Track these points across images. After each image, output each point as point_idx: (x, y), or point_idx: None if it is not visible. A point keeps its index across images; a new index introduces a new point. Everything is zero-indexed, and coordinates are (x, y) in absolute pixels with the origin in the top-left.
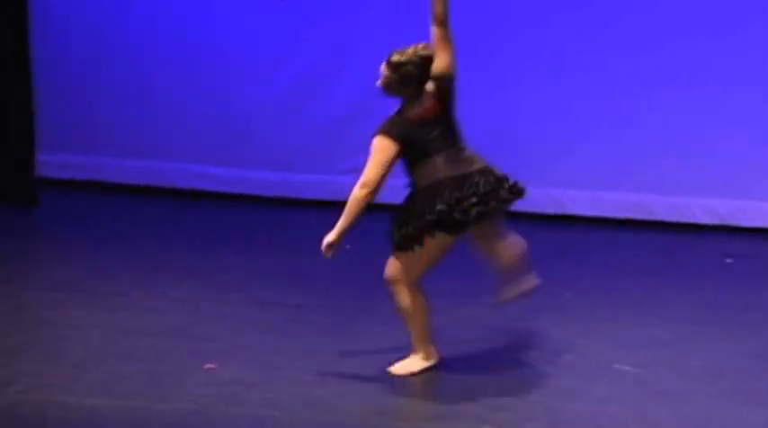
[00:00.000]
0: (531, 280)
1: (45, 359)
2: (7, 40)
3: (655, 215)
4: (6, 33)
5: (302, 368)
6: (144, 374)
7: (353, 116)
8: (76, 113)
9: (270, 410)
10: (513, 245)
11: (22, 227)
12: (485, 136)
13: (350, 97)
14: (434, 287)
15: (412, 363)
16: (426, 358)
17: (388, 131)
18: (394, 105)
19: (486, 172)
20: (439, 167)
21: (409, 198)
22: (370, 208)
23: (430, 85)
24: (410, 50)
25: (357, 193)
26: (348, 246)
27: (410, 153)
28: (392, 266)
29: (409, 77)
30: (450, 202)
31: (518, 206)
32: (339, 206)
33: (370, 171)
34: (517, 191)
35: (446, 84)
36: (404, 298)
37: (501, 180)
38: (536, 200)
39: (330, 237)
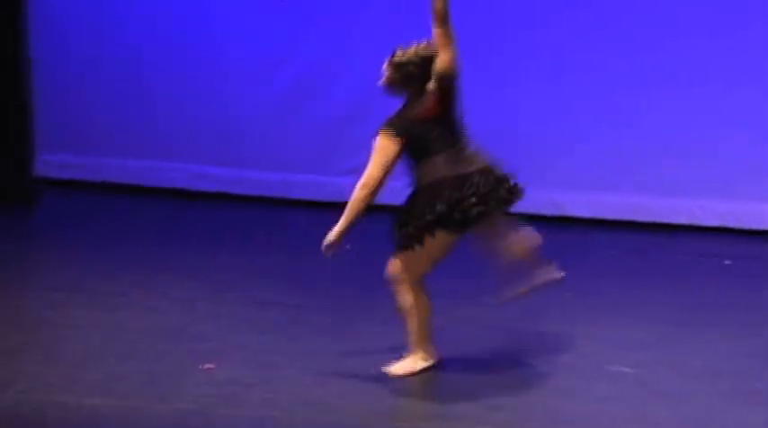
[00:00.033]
0: (553, 272)
1: (45, 359)
2: (6, 40)
3: (653, 216)
4: (5, 34)
5: (301, 368)
6: (143, 374)
7: (352, 117)
8: (75, 114)
9: (269, 410)
10: (525, 238)
11: (22, 228)
12: (480, 137)
13: (348, 98)
14: (434, 287)
15: (409, 364)
16: (424, 358)
17: (390, 130)
18: (393, 107)
19: (487, 171)
20: (440, 166)
21: (411, 197)
22: (371, 208)
23: (432, 84)
24: (412, 50)
25: (359, 192)
26: (348, 247)
27: (412, 151)
28: (394, 265)
29: (411, 76)
30: (450, 202)
31: (516, 207)
32: (337, 207)
33: (372, 169)
34: (516, 192)
35: (448, 82)
36: (405, 297)
37: (501, 180)
38: (534, 201)
39: (331, 236)
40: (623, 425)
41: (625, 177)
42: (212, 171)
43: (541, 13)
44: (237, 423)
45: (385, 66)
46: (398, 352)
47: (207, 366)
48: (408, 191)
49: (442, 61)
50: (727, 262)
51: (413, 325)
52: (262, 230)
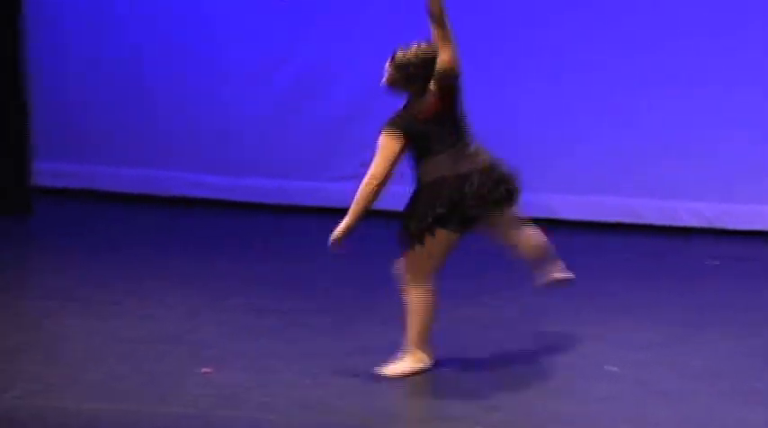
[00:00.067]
0: (561, 272)
1: (43, 362)
2: (3, 47)
3: (643, 219)
4: (2, 41)
5: (299, 371)
6: (141, 379)
7: (349, 122)
8: (71, 122)
9: (267, 413)
10: (532, 236)
11: (17, 236)
12: (477, 138)
13: (346, 103)
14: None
15: (403, 365)
16: (420, 359)
17: (393, 128)
18: (390, 111)
19: (488, 171)
20: (442, 165)
21: (413, 195)
22: (367, 213)
23: (433, 83)
24: (413, 49)
25: (365, 188)
26: (344, 251)
27: (414, 149)
28: (401, 263)
29: (413, 75)
30: (449, 203)
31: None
32: (333, 213)
33: (377, 166)
34: (516, 192)
35: (449, 81)
36: (411, 295)
37: (501, 180)
38: (525, 204)
39: (339, 230)
40: (622, 425)
41: (614, 181)
42: (208, 179)
43: (538, 14)
44: (236, 425)
45: (386, 66)
46: (396, 354)
47: (205, 370)
48: (411, 191)
49: (442, 60)
50: (714, 262)
51: (415, 324)
52: (258, 237)
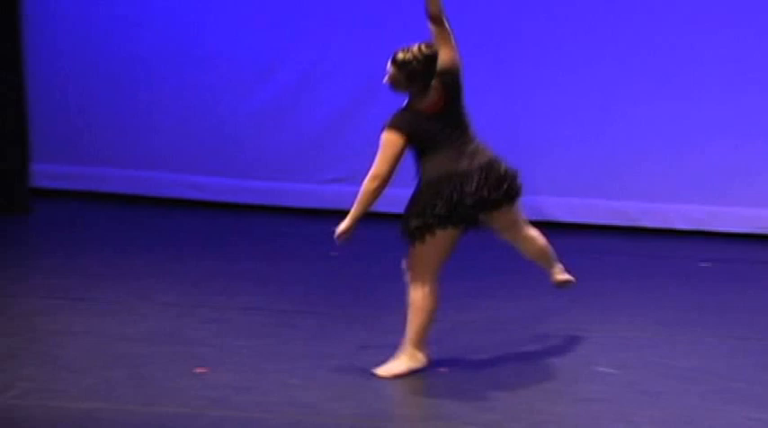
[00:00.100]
0: (562, 274)
1: (38, 364)
2: (2, 48)
3: (633, 221)
4: (0, 42)
5: (292, 371)
6: (136, 378)
7: (340, 128)
8: (68, 124)
9: (260, 413)
10: (535, 238)
11: (14, 236)
12: None
13: (337, 109)
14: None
15: (397, 365)
16: (416, 359)
17: (395, 126)
18: (381, 116)
19: (489, 168)
20: (443, 162)
21: (415, 191)
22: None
23: (435, 81)
24: (414, 48)
25: (368, 185)
26: (335, 253)
27: (416, 146)
28: (407, 258)
29: (414, 74)
30: (449, 203)
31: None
32: (326, 215)
33: (380, 164)
34: (514, 193)
35: (450, 79)
36: (415, 291)
37: (502, 178)
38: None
39: (343, 225)
40: (609, 426)
41: (603, 183)
42: (203, 180)
43: (529, 20)
44: (228, 425)
45: (389, 65)
46: (386, 355)
47: (199, 369)
48: (412, 190)
49: (443, 57)
50: (703, 264)
51: (414, 323)
52: (252, 238)
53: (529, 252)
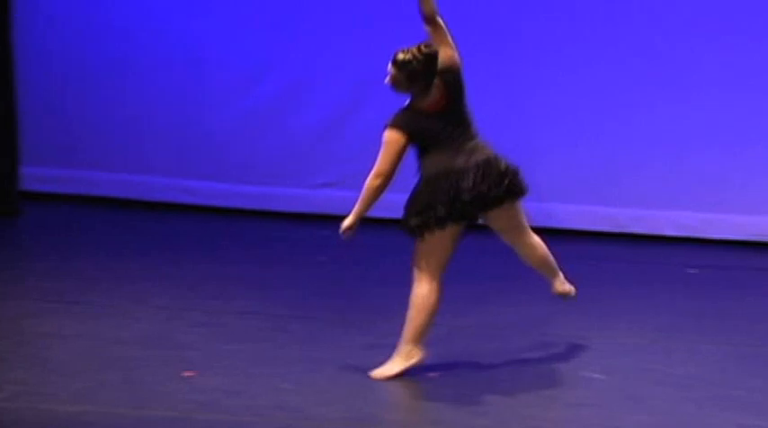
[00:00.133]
0: (563, 285)
1: (28, 367)
2: None
3: (623, 227)
4: None
5: (282, 375)
6: (125, 381)
7: (331, 133)
8: (57, 127)
9: (249, 417)
10: (537, 246)
11: (3, 240)
12: None
13: (327, 114)
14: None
15: (391, 366)
16: (408, 358)
17: (395, 125)
18: (368, 121)
19: (487, 165)
20: (441, 159)
21: (415, 187)
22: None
23: (437, 80)
24: (414, 48)
25: (371, 183)
26: (324, 258)
27: (418, 144)
28: (414, 253)
29: (415, 74)
30: (446, 199)
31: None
32: (313, 219)
33: (382, 162)
34: (515, 190)
35: (451, 77)
36: (417, 289)
37: (502, 175)
38: None
39: (348, 221)
40: None
41: (604, 189)
42: (193, 184)
43: (522, 28)
44: None
45: (389, 66)
46: (376, 360)
47: (188, 373)
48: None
49: (442, 57)
50: (691, 270)
51: (414, 320)
52: (242, 242)
53: (530, 259)
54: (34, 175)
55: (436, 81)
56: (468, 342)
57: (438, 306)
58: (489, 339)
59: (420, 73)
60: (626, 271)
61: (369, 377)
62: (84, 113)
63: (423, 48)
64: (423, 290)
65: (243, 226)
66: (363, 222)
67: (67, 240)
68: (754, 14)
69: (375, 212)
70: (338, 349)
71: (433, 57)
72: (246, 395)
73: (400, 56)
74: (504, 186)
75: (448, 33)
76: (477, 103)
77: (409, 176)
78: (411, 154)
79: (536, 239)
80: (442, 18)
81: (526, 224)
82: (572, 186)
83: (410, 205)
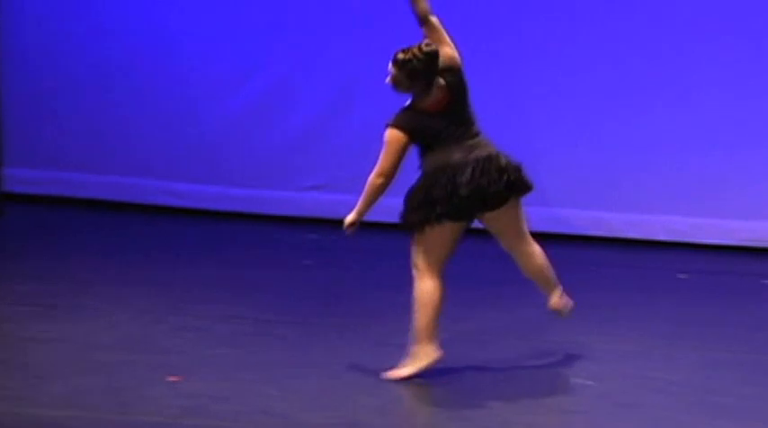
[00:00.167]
0: (559, 300)
1: (8, 369)
2: None
3: (616, 232)
4: None
5: (267, 381)
6: (109, 386)
7: (318, 135)
8: (42, 129)
9: (234, 423)
10: (536, 255)
11: None
12: None
13: (314, 116)
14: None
15: (404, 368)
16: (422, 358)
17: (397, 124)
18: (356, 123)
19: (487, 160)
20: (441, 155)
21: (416, 182)
22: (334, 225)
23: (439, 79)
24: (414, 48)
25: (374, 181)
26: (309, 261)
27: (419, 142)
28: (412, 249)
29: (416, 73)
30: (444, 194)
31: (479, 224)
32: (300, 222)
33: (384, 161)
34: (516, 186)
35: (454, 77)
36: (418, 286)
37: (502, 170)
38: None
39: (351, 217)
40: None
41: (596, 193)
42: (179, 187)
43: (514, 32)
44: None
45: (390, 66)
46: (363, 366)
47: (172, 378)
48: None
49: (443, 56)
50: (681, 276)
51: (421, 319)
52: (229, 244)
53: (528, 268)
54: (18, 177)
55: (439, 80)
56: (465, 347)
57: (442, 300)
58: (485, 344)
59: (421, 72)
60: (615, 276)
61: (357, 382)
62: (70, 115)
63: (423, 47)
64: (425, 286)
65: (230, 229)
66: (361, 227)
67: (52, 242)
68: (747, 21)
69: (373, 217)
70: (327, 354)
71: (433, 56)
72: (232, 400)
73: (401, 55)
74: (504, 182)
75: (445, 32)
76: (472, 105)
77: (407, 181)
78: (413, 153)
79: (536, 248)
80: (437, 17)
81: (526, 229)
82: (563, 191)
83: (409, 200)
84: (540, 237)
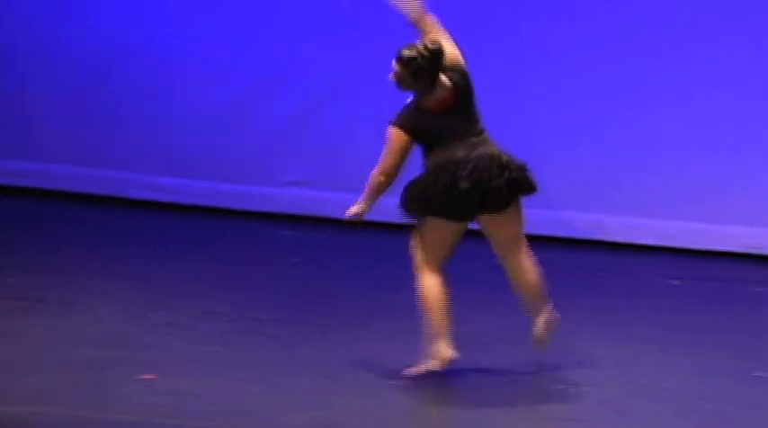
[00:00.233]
0: (543, 327)
1: None
2: None
3: (609, 236)
4: None
5: (247, 380)
6: (84, 383)
7: (299, 130)
8: (28, 122)
9: (210, 423)
10: (532, 270)
11: None
12: None
13: (295, 112)
14: None
15: (417, 367)
16: (433, 359)
17: (399, 123)
18: (336, 119)
19: (490, 158)
20: (447, 153)
21: (420, 174)
22: (320, 223)
23: (447, 77)
24: (419, 45)
25: (376, 178)
26: (297, 259)
27: (423, 141)
28: (411, 247)
29: (420, 71)
30: (443, 187)
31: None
32: (282, 218)
33: (386, 159)
34: (518, 184)
35: (459, 76)
36: (421, 283)
37: (503, 166)
38: None
39: (355, 208)
40: None
41: (588, 196)
42: (162, 181)
43: (512, 33)
44: None
45: (394, 63)
46: (346, 365)
47: (148, 376)
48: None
49: (447, 55)
50: (674, 281)
51: (427, 315)
52: (210, 240)
53: (519, 281)
54: (7, 169)
55: (444, 80)
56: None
57: (443, 297)
58: (476, 348)
59: (425, 70)
60: (606, 280)
61: (338, 383)
62: (58, 108)
63: (428, 44)
64: (426, 283)
65: (209, 224)
66: (342, 225)
67: (42, 235)
68: (742, 24)
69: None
70: (309, 353)
71: (438, 54)
72: (208, 399)
73: (405, 52)
74: (505, 178)
75: (443, 31)
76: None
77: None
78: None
79: (531, 262)
80: (434, 17)
81: (524, 239)
82: (555, 193)
83: (408, 190)
84: (538, 241)
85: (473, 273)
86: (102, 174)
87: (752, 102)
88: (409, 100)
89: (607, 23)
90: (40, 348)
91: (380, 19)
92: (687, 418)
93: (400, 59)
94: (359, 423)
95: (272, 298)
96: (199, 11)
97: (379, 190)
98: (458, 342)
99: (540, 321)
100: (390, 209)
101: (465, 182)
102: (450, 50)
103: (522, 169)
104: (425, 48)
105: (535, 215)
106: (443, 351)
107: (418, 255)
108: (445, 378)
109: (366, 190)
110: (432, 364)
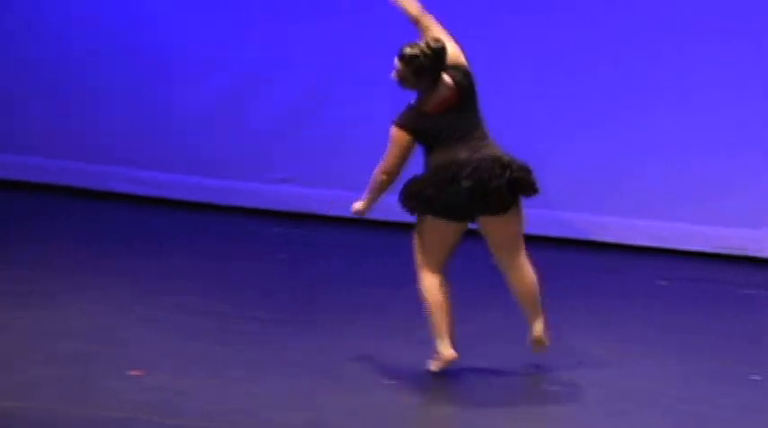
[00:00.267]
0: (540, 331)
1: None
2: None
3: (601, 236)
4: None
5: (233, 377)
6: (71, 376)
7: (288, 127)
8: (12, 115)
9: (198, 421)
10: (529, 275)
11: None
12: None
13: (285, 109)
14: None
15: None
16: (437, 356)
17: (400, 122)
18: (327, 116)
19: (492, 159)
20: (449, 154)
21: (421, 173)
22: (304, 219)
23: (450, 77)
24: (422, 43)
25: (378, 177)
26: (283, 256)
27: (424, 141)
28: (413, 247)
29: (422, 69)
30: (444, 185)
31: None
32: (271, 215)
33: (388, 158)
34: (519, 185)
35: (461, 75)
36: (421, 283)
37: (504, 166)
38: None
39: (359, 205)
40: None
41: (580, 196)
42: (149, 175)
43: (511, 33)
44: None
45: (396, 61)
46: (331, 363)
47: (134, 372)
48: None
49: (449, 54)
50: (662, 282)
51: (429, 316)
52: (196, 236)
53: (518, 287)
54: None
55: (446, 79)
56: (424, 355)
57: (442, 297)
58: (472, 348)
59: (427, 68)
60: (596, 280)
61: (326, 381)
62: (40, 102)
63: (431, 42)
64: (426, 284)
65: (197, 219)
66: (330, 222)
67: (29, 229)
68: (755, 17)
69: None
70: (298, 351)
71: (441, 52)
72: (200, 397)
73: (407, 50)
74: (506, 178)
75: (443, 30)
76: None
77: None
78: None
79: (530, 269)
80: (432, 16)
81: (522, 244)
82: (549, 194)
83: (407, 187)
84: (534, 241)
85: (473, 273)
86: (90, 168)
87: (751, 103)
88: (412, 100)
89: (607, 24)
90: (27, 341)
91: (373, 18)
92: (682, 420)
93: (402, 57)
94: (346, 421)
95: (259, 295)
96: (190, 7)
97: (381, 188)
98: (458, 341)
99: (536, 329)
100: (381, 207)
101: (466, 181)
102: (453, 49)
103: (525, 170)
104: (428, 46)
105: (533, 215)
106: (444, 351)
107: (418, 256)
108: (445, 378)
109: (369, 187)
110: (432, 364)
